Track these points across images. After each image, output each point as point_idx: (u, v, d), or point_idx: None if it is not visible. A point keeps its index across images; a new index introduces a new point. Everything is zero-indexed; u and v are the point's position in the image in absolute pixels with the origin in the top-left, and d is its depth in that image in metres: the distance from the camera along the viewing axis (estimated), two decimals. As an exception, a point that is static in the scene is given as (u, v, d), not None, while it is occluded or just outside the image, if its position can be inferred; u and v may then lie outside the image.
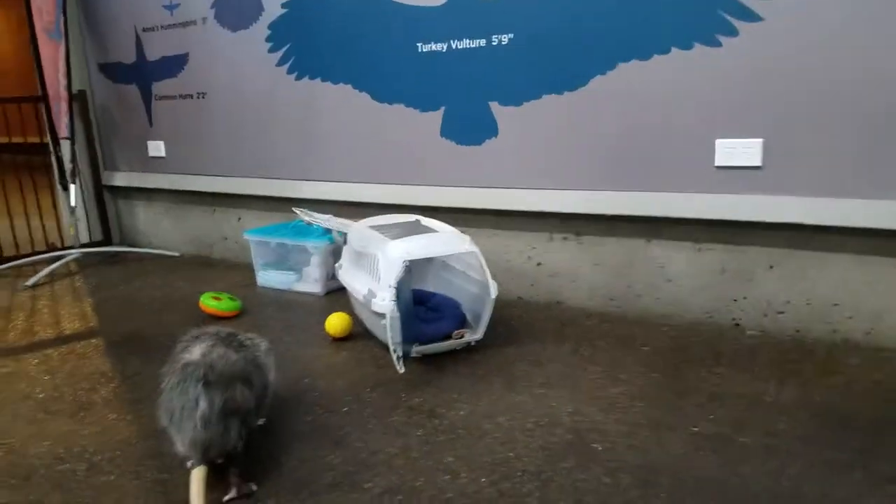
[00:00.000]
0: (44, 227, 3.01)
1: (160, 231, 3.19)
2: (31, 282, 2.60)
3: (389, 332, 1.54)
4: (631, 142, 1.91)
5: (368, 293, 1.68)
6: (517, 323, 1.98)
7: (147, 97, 2.95)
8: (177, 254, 3.07)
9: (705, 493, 1.13)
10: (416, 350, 1.68)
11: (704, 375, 1.59)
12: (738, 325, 1.90)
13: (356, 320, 1.94)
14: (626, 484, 1.17)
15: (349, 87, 2.37)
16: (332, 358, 1.76)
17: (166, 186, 3.01)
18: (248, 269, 2.67)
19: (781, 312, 1.84)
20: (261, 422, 1.31)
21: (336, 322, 1.85)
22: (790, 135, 1.71)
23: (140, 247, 3.22)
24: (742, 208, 1.79)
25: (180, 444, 1.15)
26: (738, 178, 1.79)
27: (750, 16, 1.68)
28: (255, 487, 1.17)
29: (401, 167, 2.33)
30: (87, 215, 3.14)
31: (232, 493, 1.15)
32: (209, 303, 2.11)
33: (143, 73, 2.92)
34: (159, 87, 2.89)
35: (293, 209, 2.31)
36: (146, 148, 3.02)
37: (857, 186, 1.65)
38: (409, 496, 1.14)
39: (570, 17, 1.91)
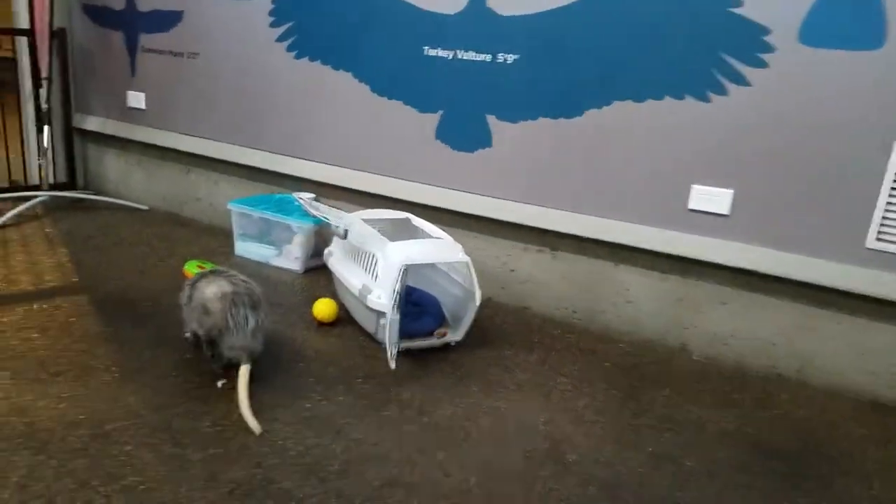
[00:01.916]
0: (8, 159, 2.93)
1: (130, 182, 3.16)
2: (-1, 222, 2.57)
3: (388, 332, 1.66)
4: (615, 174, 2.08)
5: (364, 288, 1.79)
6: (489, 324, 2.14)
7: (132, 47, 2.91)
8: (145, 207, 3.06)
9: (661, 510, 1.32)
10: (403, 345, 1.81)
11: (656, 397, 1.79)
12: (685, 349, 2.11)
13: (340, 305, 2.04)
14: (594, 496, 1.34)
15: (349, 75, 2.44)
16: (321, 343, 1.86)
17: (143, 139, 2.99)
18: (223, 235, 2.72)
19: (726, 344, 2.06)
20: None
21: (324, 308, 1.95)
22: (757, 191, 1.91)
23: (107, 194, 3.19)
24: (706, 250, 1.99)
25: (232, 350, 1.54)
26: (706, 222, 1.99)
27: (741, 80, 1.86)
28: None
29: (392, 161, 2.43)
30: (53, 155, 3.08)
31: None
32: (195, 272, 2.16)
33: (132, 23, 2.88)
34: (147, 40, 2.86)
35: (294, 195, 2.38)
36: (125, 97, 2.99)
37: (806, 246, 1.88)
38: (409, 491, 1.28)
39: (577, 51, 2.05)
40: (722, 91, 1.89)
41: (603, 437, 1.55)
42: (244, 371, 1.50)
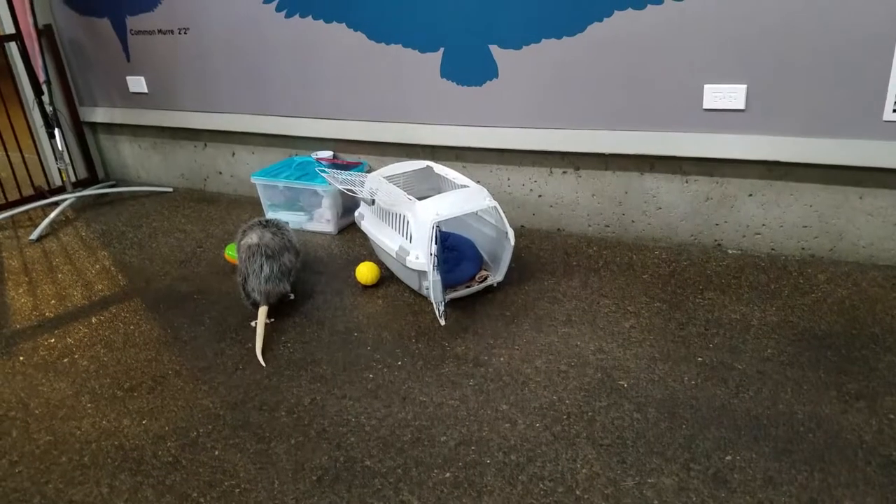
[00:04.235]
0: (24, 160, 2.97)
1: (149, 165, 3.20)
2: (35, 235, 2.63)
3: (432, 292, 1.72)
4: (627, 85, 2.04)
5: (401, 250, 1.84)
6: (526, 254, 2.18)
7: (122, 32, 2.86)
8: (170, 189, 3.11)
9: (719, 421, 1.39)
10: (447, 297, 1.87)
11: (699, 301, 1.84)
12: (719, 245, 2.14)
13: (379, 263, 2.10)
14: (654, 418, 1.42)
15: (343, 26, 2.38)
16: (369, 307, 1.93)
17: (153, 123, 3.00)
18: (251, 205, 2.77)
19: (758, 234, 2.08)
20: (291, 296, 1.97)
21: (367, 273, 2.01)
22: (770, 81, 1.87)
23: (129, 182, 3.24)
24: (727, 147, 1.98)
25: (253, 292, 1.85)
26: (723, 119, 1.96)
27: (742, -31, 1.78)
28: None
29: (401, 107, 2.41)
30: (69, 155, 3.11)
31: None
32: (235, 255, 2.23)
33: (115, 7, 2.82)
34: (135, 22, 2.81)
35: (314, 156, 2.39)
36: (125, 84, 2.97)
37: (824, 128, 1.86)
38: (481, 446, 1.37)
39: (569, -36, 1.97)
40: (725, -17, 1.82)
41: (652, 356, 1.62)
42: (261, 311, 1.82)
